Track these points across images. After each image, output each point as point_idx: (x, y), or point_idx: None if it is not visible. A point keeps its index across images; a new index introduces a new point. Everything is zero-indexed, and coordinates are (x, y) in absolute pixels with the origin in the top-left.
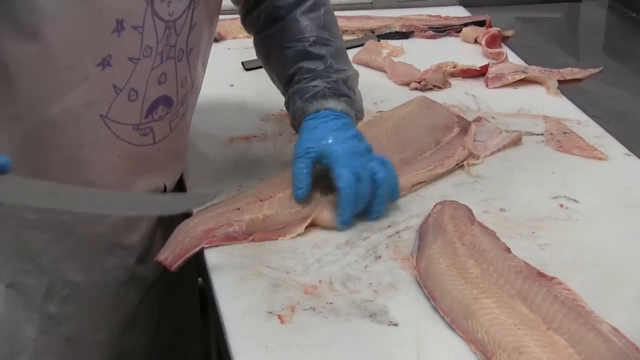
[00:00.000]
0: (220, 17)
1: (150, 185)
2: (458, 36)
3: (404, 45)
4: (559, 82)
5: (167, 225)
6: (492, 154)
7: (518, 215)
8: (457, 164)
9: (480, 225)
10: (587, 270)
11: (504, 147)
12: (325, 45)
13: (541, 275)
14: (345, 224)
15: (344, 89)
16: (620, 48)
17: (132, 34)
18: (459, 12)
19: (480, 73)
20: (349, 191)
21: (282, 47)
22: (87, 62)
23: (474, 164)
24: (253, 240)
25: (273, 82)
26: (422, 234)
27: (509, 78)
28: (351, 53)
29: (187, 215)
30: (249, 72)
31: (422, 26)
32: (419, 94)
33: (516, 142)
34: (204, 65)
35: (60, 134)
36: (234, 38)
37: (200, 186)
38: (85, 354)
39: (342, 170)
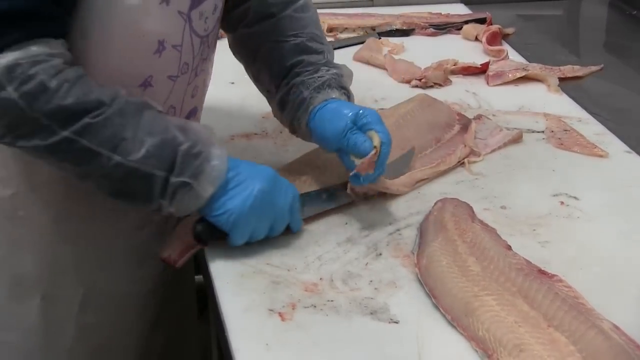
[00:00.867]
0: None
1: None
2: (459, 34)
3: (404, 43)
4: (560, 79)
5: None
6: (492, 151)
7: (519, 213)
8: (458, 162)
9: (481, 222)
10: (587, 268)
11: (505, 145)
12: (321, 43)
13: (542, 272)
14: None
15: (345, 84)
16: (621, 45)
17: (172, 53)
18: (460, 10)
19: (481, 70)
20: (389, 145)
21: (276, 40)
22: (130, 84)
23: (474, 162)
24: None
25: (253, 78)
26: (423, 231)
27: (510, 76)
28: (351, 51)
29: None
30: None
31: (422, 24)
32: (419, 91)
33: (517, 139)
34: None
35: None
36: None
37: None
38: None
39: (381, 127)
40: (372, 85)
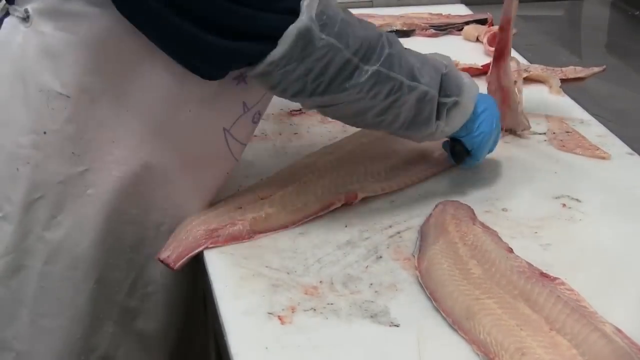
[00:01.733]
0: None
1: None
2: (459, 35)
3: (405, 44)
4: (562, 80)
5: None
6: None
7: (520, 215)
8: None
9: (482, 225)
10: (589, 270)
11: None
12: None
13: (544, 275)
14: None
15: None
16: (623, 46)
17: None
18: (461, 10)
19: (482, 72)
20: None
21: None
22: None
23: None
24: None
25: None
26: (423, 234)
27: None
28: None
29: None
30: None
31: (423, 24)
32: None
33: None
34: None
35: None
36: None
37: None
38: (154, 350)
39: None
40: None
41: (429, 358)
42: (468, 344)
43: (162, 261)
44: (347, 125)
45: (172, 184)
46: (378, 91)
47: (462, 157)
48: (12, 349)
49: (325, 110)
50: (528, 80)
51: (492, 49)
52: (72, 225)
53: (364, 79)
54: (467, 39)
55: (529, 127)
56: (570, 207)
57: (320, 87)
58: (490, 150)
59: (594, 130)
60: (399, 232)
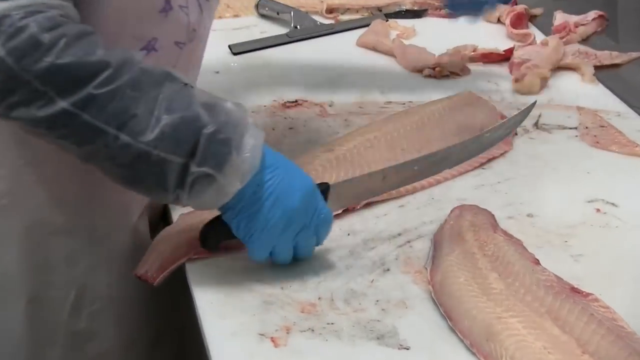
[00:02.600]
0: None
1: None
2: None
3: (415, 26)
4: (596, 67)
5: None
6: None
7: (548, 222)
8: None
9: (504, 233)
10: (627, 285)
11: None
12: None
13: (575, 290)
14: None
15: None
16: None
17: (179, 14)
18: None
19: (503, 58)
20: None
21: None
22: (132, 46)
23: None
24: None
25: None
26: (437, 243)
27: None
28: (355, 35)
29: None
30: (237, 56)
31: (436, 3)
32: (432, 81)
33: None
34: None
35: None
36: (220, 17)
37: None
38: None
39: None
40: (379, 74)
41: None
42: None
43: (139, 277)
44: (350, 120)
45: (100, 181)
46: (65, 134)
47: (214, 239)
48: None
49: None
50: (557, 67)
51: (516, 31)
52: None
53: (45, 114)
54: (487, 20)
55: None
56: (605, 213)
57: None
58: (305, 247)
59: (632, 124)
60: (409, 241)
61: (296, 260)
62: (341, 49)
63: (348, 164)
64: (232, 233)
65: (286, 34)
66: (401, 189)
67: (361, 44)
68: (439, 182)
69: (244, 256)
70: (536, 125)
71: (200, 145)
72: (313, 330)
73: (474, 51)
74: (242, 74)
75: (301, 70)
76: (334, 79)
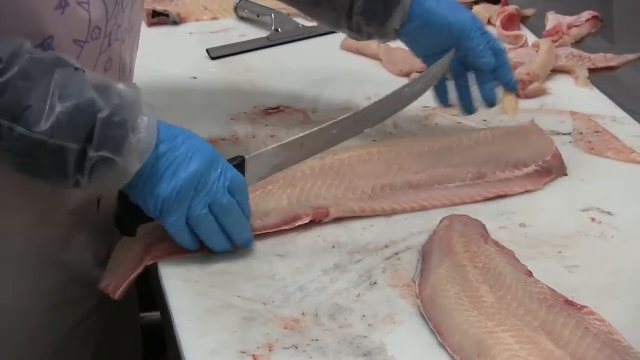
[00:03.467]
0: None
1: (85, 195)
2: None
3: None
4: (590, 70)
5: (100, 242)
6: None
7: (542, 232)
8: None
9: (496, 244)
10: (624, 298)
11: None
12: None
13: (569, 303)
14: None
15: None
16: None
17: (79, 12)
18: None
19: None
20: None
21: None
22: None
23: None
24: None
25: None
26: (425, 255)
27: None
28: (339, 38)
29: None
30: (215, 61)
31: None
32: None
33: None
34: (137, 48)
35: None
36: (197, 20)
37: None
38: None
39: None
40: (365, 79)
41: None
42: None
43: (102, 291)
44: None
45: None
46: None
47: (130, 224)
48: None
49: None
50: (551, 71)
51: (507, 33)
52: None
53: None
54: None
55: None
56: (600, 222)
57: None
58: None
59: (628, 129)
60: (396, 254)
61: (230, 239)
62: (325, 53)
63: (333, 174)
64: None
65: (267, 38)
66: (377, 209)
67: (346, 47)
68: (449, 205)
69: (223, 271)
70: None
71: (96, 130)
72: (297, 348)
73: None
74: (221, 80)
75: (283, 76)
76: (318, 84)
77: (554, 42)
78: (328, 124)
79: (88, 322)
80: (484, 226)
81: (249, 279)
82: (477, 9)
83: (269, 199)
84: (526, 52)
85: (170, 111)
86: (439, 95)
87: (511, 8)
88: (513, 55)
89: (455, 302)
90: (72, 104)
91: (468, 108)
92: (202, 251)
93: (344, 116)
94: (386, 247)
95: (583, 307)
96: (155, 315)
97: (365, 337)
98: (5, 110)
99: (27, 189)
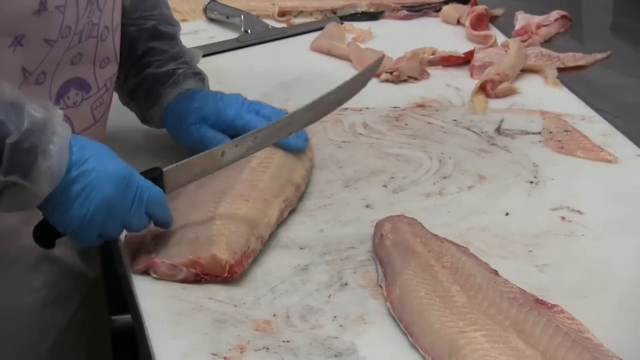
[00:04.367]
0: None
1: None
2: (437, 16)
3: (372, 29)
4: (559, 69)
5: None
6: None
7: (512, 231)
8: None
9: (452, 242)
10: (594, 296)
11: None
12: (172, 24)
13: (540, 302)
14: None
15: (197, 69)
16: (631, 28)
17: (54, 15)
18: None
19: (464, 61)
20: None
21: (123, 24)
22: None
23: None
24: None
25: None
26: (383, 258)
27: None
28: (308, 39)
29: None
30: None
31: (393, 5)
32: (390, 86)
33: None
34: None
35: None
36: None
37: None
38: None
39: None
40: (334, 79)
41: None
42: None
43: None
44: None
45: None
46: None
47: (47, 238)
48: None
49: None
50: (520, 70)
51: (476, 33)
52: None
53: None
54: (446, 21)
55: None
56: (570, 221)
57: None
58: (138, 224)
59: (597, 128)
60: (367, 252)
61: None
62: (294, 54)
63: None
64: None
65: (236, 39)
66: None
67: (315, 48)
68: None
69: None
70: (498, 130)
71: (4, 154)
72: (268, 349)
73: (433, 54)
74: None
75: (252, 77)
76: (287, 85)
77: (523, 41)
78: (250, 133)
79: (78, 317)
80: (421, 223)
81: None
82: (446, 8)
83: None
84: (495, 51)
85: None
86: None
87: (480, 8)
88: (482, 55)
89: (426, 302)
90: None
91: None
92: None
93: (266, 124)
94: (355, 247)
95: (553, 305)
96: (126, 318)
97: (336, 337)
98: None
99: None
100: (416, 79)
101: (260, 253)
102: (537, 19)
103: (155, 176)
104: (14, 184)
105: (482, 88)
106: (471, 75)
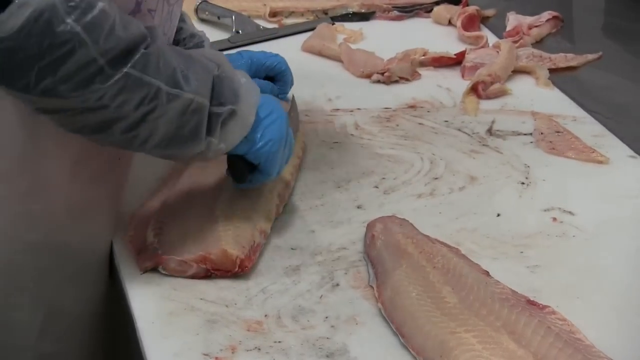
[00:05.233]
0: None
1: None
2: (429, 17)
3: (363, 29)
4: (551, 70)
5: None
6: None
7: (503, 232)
8: None
9: (443, 243)
10: (585, 297)
11: None
12: None
13: (531, 303)
14: None
15: None
16: (623, 29)
17: (145, 18)
18: None
19: (455, 61)
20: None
21: None
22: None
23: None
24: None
25: None
26: (374, 259)
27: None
28: (299, 39)
29: None
30: None
31: (385, 6)
32: (381, 87)
33: None
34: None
35: None
36: None
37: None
38: None
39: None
40: (325, 80)
41: None
42: None
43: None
44: None
45: (75, 195)
46: (126, 99)
47: (243, 176)
48: None
49: (58, 118)
50: (512, 71)
51: (468, 34)
52: None
53: (108, 84)
54: (438, 22)
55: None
56: (562, 222)
57: (45, 82)
58: (286, 161)
59: (589, 129)
60: (358, 253)
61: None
62: (286, 54)
63: None
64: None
65: (227, 39)
66: None
67: (306, 48)
68: None
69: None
70: (490, 131)
71: (215, 87)
72: (260, 349)
73: (424, 55)
74: None
75: None
76: None
77: (515, 42)
78: None
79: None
80: (412, 224)
81: (211, 281)
82: (437, 9)
83: None
84: (487, 52)
85: None
86: None
87: (471, 9)
88: (474, 56)
89: (418, 303)
90: (198, 65)
91: None
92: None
93: None
94: (347, 248)
95: (545, 306)
96: None
97: (327, 338)
98: (162, 73)
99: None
100: (407, 79)
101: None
102: (528, 19)
103: None
104: (230, 113)
105: (474, 89)
106: (462, 76)
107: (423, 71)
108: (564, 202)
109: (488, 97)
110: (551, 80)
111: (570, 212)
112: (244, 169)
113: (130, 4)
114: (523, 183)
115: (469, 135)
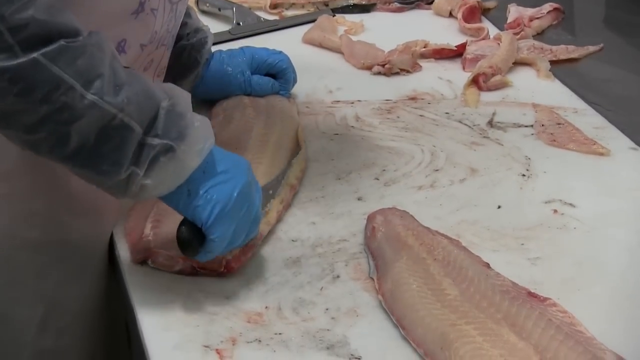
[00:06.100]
0: None
1: None
2: (429, 9)
3: (364, 21)
4: (552, 62)
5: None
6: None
7: (504, 225)
8: None
9: (443, 234)
10: (586, 289)
11: None
12: None
13: (532, 295)
14: None
15: None
16: (624, 21)
17: (148, 17)
18: None
19: (456, 53)
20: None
21: None
22: None
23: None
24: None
25: None
26: (375, 251)
27: None
28: (300, 31)
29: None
30: None
31: None
32: (382, 79)
33: None
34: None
35: None
36: None
37: None
38: None
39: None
40: (326, 72)
41: None
42: None
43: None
44: None
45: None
46: (28, 87)
47: (189, 246)
48: None
49: None
50: (513, 63)
51: (468, 25)
52: None
53: (11, 63)
54: (439, 13)
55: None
56: (562, 214)
57: None
58: (245, 241)
59: (589, 121)
60: (359, 245)
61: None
62: (286, 46)
63: None
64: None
65: (228, 31)
66: None
67: (307, 40)
68: None
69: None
70: (490, 123)
71: (159, 117)
72: (260, 341)
73: (425, 47)
74: None
75: None
76: None
77: (516, 34)
78: None
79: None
80: (413, 217)
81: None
82: (438, 1)
83: None
84: (488, 44)
85: None
86: None
87: (472, 0)
88: (475, 48)
89: (418, 295)
90: (139, 88)
91: None
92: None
93: None
94: (347, 240)
95: (546, 298)
96: None
97: (328, 330)
98: (81, 73)
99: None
100: (408, 71)
101: None
102: (529, 11)
103: None
104: (166, 149)
105: (475, 81)
106: (463, 68)
107: (424, 63)
108: (564, 194)
109: (489, 89)
110: (552, 72)
111: (571, 204)
112: (192, 237)
113: (134, 4)
114: (524, 175)
115: (469, 127)
